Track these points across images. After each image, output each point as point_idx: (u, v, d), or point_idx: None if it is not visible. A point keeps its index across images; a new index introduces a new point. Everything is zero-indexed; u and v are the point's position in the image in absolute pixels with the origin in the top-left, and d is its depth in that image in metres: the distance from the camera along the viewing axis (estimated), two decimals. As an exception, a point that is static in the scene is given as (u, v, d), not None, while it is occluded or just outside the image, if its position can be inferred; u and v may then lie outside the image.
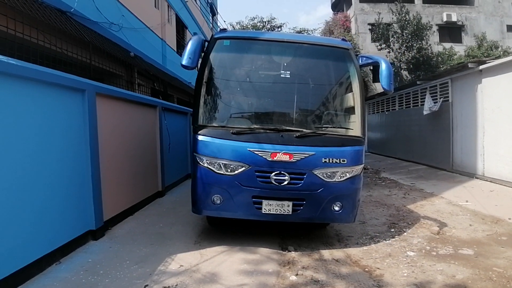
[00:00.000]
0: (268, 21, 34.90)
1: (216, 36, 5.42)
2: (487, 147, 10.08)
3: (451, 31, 30.18)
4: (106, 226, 5.79)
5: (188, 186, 5.79)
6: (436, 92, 12.74)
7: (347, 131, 5.31)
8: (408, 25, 25.74)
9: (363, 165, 5.27)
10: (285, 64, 5.42)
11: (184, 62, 4.93)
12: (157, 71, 12.19)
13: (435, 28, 28.89)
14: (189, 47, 4.99)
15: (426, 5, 30.27)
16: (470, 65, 10.32)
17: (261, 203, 4.98)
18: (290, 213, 5.00)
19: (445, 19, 29.54)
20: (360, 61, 5.54)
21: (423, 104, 13.35)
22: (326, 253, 5.18)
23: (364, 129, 5.27)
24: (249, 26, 34.89)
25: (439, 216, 7.04)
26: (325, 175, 4.99)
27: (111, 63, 9.82)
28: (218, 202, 5.04)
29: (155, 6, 13.23)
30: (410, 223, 6.63)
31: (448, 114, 11.98)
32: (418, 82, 14.18)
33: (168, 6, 14.50)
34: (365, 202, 8.45)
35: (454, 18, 29.47)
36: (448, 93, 12.02)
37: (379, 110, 19.84)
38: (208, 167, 5.00)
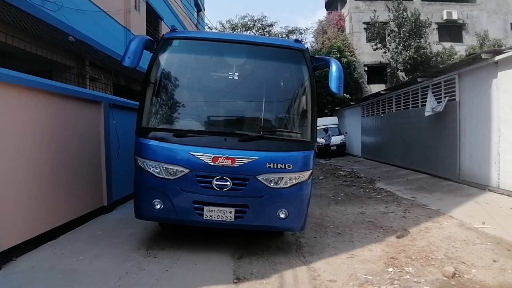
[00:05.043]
0: (259, 20, 33.48)
1: (166, 36, 5.37)
2: (503, 153, 8.51)
3: (451, 30, 28.78)
4: (8, 256, 4.55)
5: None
6: (440, 91, 11.24)
7: (296, 135, 5.23)
8: (405, 23, 24.33)
9: (311, 170, 5.09)
10: (236, 65, 5.40)
11: (123, 61, 4.84)
12: (117, 64, 10.49)
13: (434, 26, 27.57)
14: (130, 46, 4.91)
15: (425, 2, 28.90)
16: (483, 55, 8.73)
17: (202, 209, 4.83)
18: (233, 220, 4.85)
19: (445, 17, 28.12)
20: (313, 63, 5.39)
21: (424, 105, 11.91)
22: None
23: (314, 133, 5.09)
24: (238, 25, 33.49)
25: (451, 246, 5.38)
26: (269, 181, 4.84)
27: (56, 52, 8.20)
28: (159, 207, 4.89)
29: (116, -11, 11.55)
30: (413, 257, 4.95)
31: (455, 116, 10.46)
32: (418, 80, 12.65)
33: (135, -9, 12.86)
34: (355, 223, 6.79)
35: (454, 16, 28.07)
36: (454, 91, 10.50)
37: (373, 112, 18.39)
38: (148, 171, 4.88)
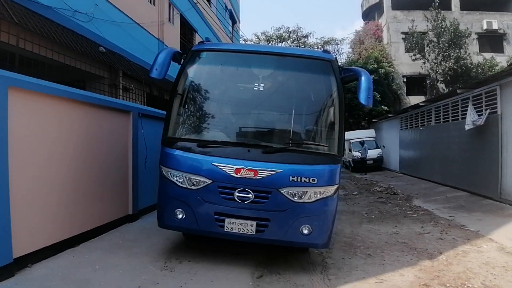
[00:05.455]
0: (294, 31, 33.45)
1: (193, 49, 5.44)
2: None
3: (491, 40, 27.57)
4: (23, 263, 4.50)
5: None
6: (481, 103, 10.62)
7: (321, 148, 5.05)
8: (444, 33, 23.48)
9: (337, 185, 4.93)
10: (262, 77, 5.32)
11: (150, 73, 4.93)
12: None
13: (474, 36, 26.50)
14: (157, 58, 4.99)
15: (464, 12, 27.86)
16: (527, 66, 8.15)
17: (223, 221, 4.75)
18: (254, 233, 4.74)
19: (485, 27, 27.04)
20: (341, 74, 5.25)
21: (465, 118, 11.29)
22: None
23: (340, 146, 4.91)
24: (273, 37, 33.60)
25: (490, 273, 4.92)
26: (292, 195, 4.71)
27: (88, 62, 8.33)
28: (180, 216, 4.87)
29: (150, 2, 11.74)
30: (448, 285, 4.53)
31: (497, 129, 9.83)
32: (458, 91, 12.03)
33: (170, 4, 12.99)
34: (388, 244, 6.40)
35: (495, 26, 26.92)
36: (496, 103, 9.88)
37: (412, 125, 17.69)
38: (171, 180, 4.89)
